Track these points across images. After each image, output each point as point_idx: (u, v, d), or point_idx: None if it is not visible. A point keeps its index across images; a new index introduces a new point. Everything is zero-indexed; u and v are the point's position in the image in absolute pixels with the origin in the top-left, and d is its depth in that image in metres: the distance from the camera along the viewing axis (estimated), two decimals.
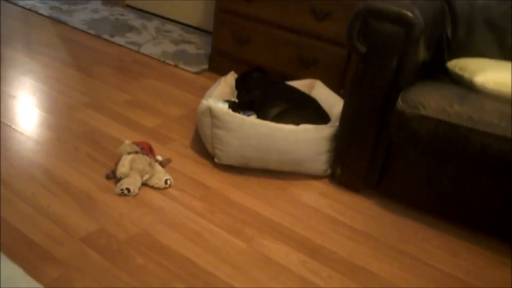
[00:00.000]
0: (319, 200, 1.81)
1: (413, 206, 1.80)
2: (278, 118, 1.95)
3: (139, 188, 1.73)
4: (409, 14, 1.59)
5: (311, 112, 2.02)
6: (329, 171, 1.93)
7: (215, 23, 2.73)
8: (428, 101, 1.59)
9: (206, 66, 2.87)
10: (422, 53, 1.70)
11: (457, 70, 1.76)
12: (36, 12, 3.40)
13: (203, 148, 2.02)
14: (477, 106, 1.55)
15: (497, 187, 1.60)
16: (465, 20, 1.89)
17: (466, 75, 1.71)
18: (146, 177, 1.74)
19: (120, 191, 1.68)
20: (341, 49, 2.31)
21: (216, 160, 1.91)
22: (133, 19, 3.57)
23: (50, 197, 1.63)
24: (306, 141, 1.85)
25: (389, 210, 1.80)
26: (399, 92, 1.66)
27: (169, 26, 3.54)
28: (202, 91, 2.51)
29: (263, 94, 2.15)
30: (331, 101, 2.15)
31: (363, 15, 1.64)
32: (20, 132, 1.96)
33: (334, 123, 1.92)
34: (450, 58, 1.92)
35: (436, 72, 1.89)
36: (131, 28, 3.37)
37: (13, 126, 1.99)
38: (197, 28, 3.52)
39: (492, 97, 1.61)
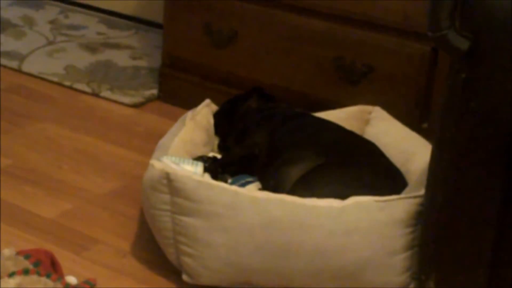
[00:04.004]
0: None
1: None
2: (304, 186, 1.96)
3: None
4: None
5: (367, 170, 2.03)
6: (412, 286, 1.92)
7: (168, 6, 2.77)
8: None
9: (154, 92, 2.90)
10: None
11: None
12: None
13: (158, 255, 2.02)
14: None
15: None
16: None
17: None
18: None
19: None
20: (419, 44, 2.35)
21: (185, 278, 1.90)
22: (6, 7, 3.63)
23: None
24: (363, 228, 1.85)
25: None
26: None
27: (77, 17, 3.60)
28: (149, 142, 2.53)
29: (272, 140, 2.16)
30: (406, 147, 2.16)
31: None
32: None
33: (416, 190, 1.92)
34: None
35: None
36: (4, 25, 3.42)
37: None
38: (132, 19, 3.58)
39: None
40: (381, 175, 2.03)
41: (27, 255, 1.82)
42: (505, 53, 1.67)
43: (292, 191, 1.94)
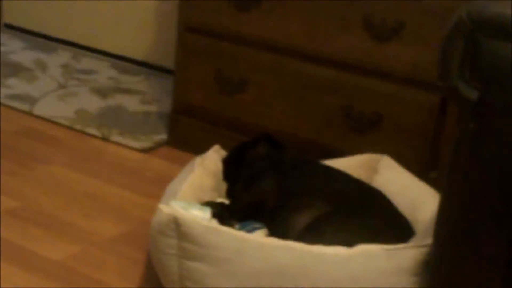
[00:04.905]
0: None
1: None
2: (311, 233, 1.96)
3: None
4: None
5: (375, 218, 2.03)
6: None
7: (180, 53, 2.80)
8: None
9: (163, 137, 2.91)
10: None
11: None
12: None
13: None
14: None
15: None
16: None
17: None
18: None
19: None
20: (428, 93, 2.36)
21: None
22: (19, 52, 3.67)
23: None
24: (370, 276, 1.84)
25: None
26: None
27: (89, 62, 3.63)
28: (157, 186, 2.53)
29: (280, 187, 2.17)
30: (414, 196, 2.16)
31: (469, 30, 1.68)
32: None
33: (424, 239, 1.91)
34: None
35: None
36: (17, 69, 3.45)
37: None
38: (143, 64, 3.60)
39: None
40: (388, 224, 2.02)
41: None
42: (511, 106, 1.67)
43: (299, 238, 1.93)
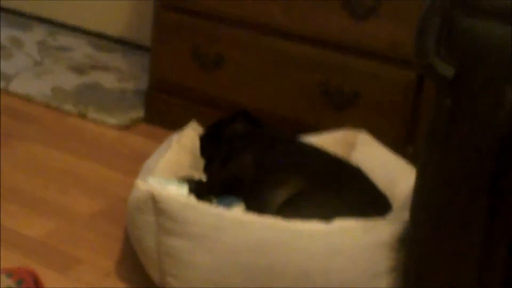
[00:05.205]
0: None
1: None
2: (289, 208, 1.96)
3: None
4: None
5: (353, 194, 2.04)
6: None
7: (156, 29, 2.79)
8: None
9: (140, 114, 2.90)
10: None
11: None
12: None
13: (142, 275, 2.01)
14: None
15: None
16: None
17: None
18: None
19: None
20: (404, 70, 2.37)
21: None
22: None
23: None
24: (347, 251, 1.85)
25: None
26: None
27: (65, 39, 3.61)
28: (134, 163, 2.52)
29: (257, 163, 2.17)
30: (391, 172, 2.17)
31: (446, 7, 1.69)
32: None
33: (401, 214, 1.93)
34: None
35: None
36: None
37: None
38: (120, 41, 3.59)
39: None
40: (366, 199, 2.04)
41: (9, 273, 1.81)
42: (490, 80, 1.68)
43: (277, 214, 1.94)
